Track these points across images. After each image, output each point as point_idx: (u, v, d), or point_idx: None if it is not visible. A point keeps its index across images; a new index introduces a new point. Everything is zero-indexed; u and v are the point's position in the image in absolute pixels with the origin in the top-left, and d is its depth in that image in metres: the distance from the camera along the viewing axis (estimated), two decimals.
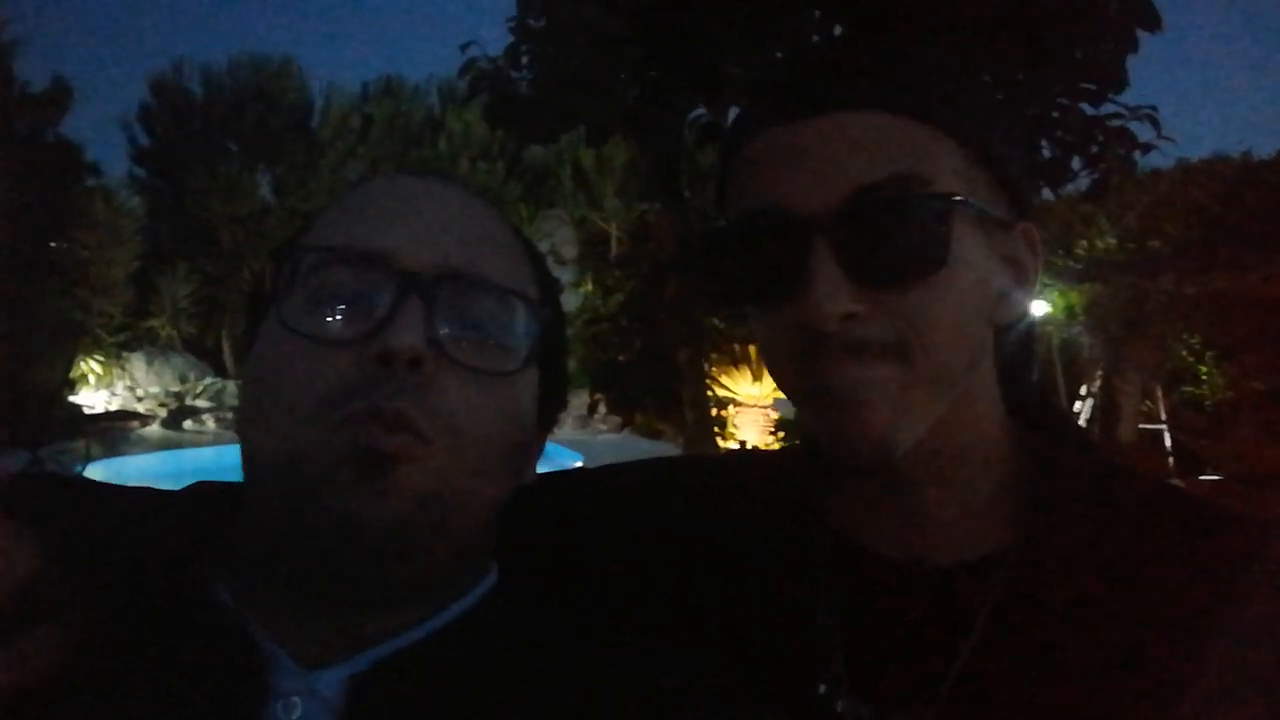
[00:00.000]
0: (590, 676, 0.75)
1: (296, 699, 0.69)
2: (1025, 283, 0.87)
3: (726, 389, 12.49)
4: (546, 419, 0.86)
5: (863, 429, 0.81)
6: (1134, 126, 4.24)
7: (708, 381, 8.73)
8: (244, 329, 0.84)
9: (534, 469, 0.86)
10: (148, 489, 0.89)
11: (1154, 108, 4.16)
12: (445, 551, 0.74)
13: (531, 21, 4.90)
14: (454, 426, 0.71)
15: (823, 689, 0.86)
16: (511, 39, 4.98)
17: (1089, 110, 4.18)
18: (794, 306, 0.80)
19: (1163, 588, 0.82)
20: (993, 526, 0.87)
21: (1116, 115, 4.21)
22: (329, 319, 0.73)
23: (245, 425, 0.76)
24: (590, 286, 13.37)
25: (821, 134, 0.81)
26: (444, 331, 0.73)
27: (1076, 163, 4.37)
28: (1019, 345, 0.92)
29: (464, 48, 5.03)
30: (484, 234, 0.80)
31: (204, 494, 0.86)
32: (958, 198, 0.80)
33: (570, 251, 17.92)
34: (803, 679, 0.87)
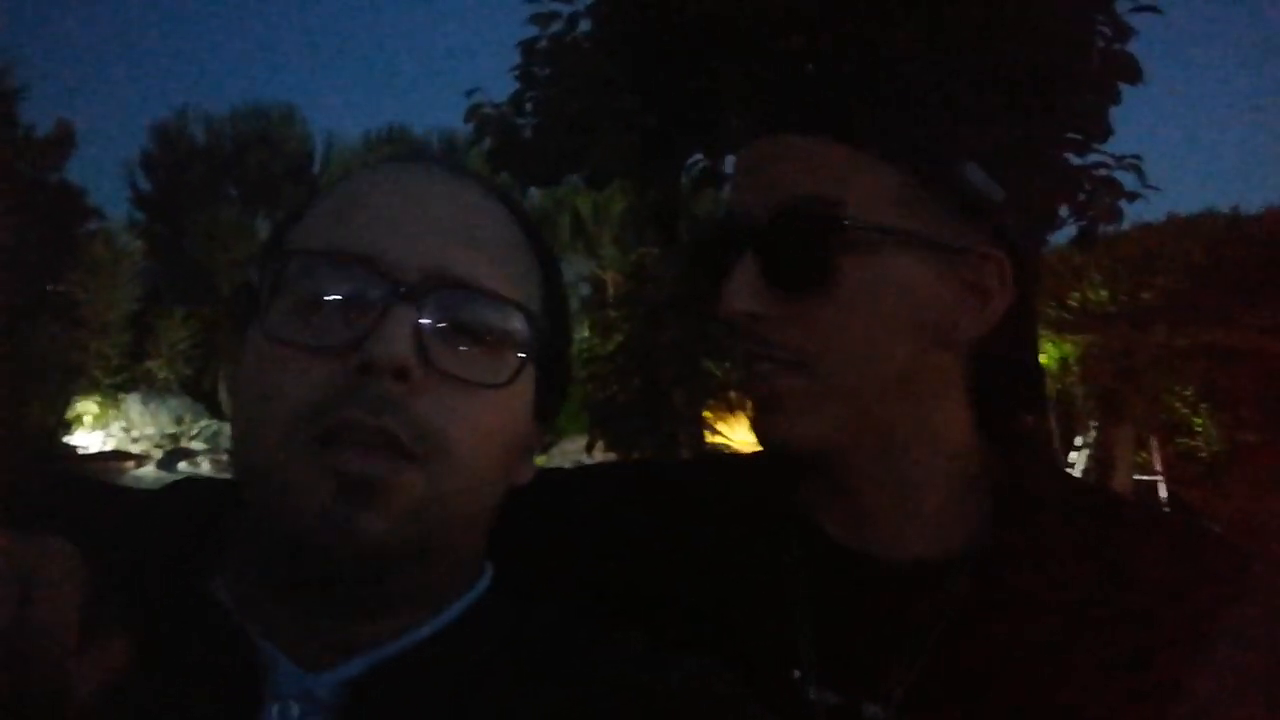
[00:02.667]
0: (587, 677, 0.74)
1: (293, 702, 0.68)
2: (984, 309, 0.89)
3: (722, 434, 12.50)
4: (547, 413, 0.83)
5: (766, 429, 0.91)
6: (1120, 176, 4.35)
7: (703, 427, 8.75)
8: (230, 329, 0.81)
9: (531, 466, 0.83)
10: (140, 490, 0.87)
11: (1138, 157, 4.27)
12: (437, 562, 0.73)
13: (536, 69, 5.02)
14: (441, 442, 0.69)
15: (795, 674, 0.89)
16: (516, 86, 5.10)
17: (1074, 159, 4.29)
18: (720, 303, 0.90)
19: (1123, 593, 0.86)
20: (959, 527, 0.91)
21: (1102, 165, 4.33)
22: (313, 326, 0.70)
23: (233, 434, 0.75)
24: (588, 331, 13.43)
25: (768, 153, 0.91)
26: (433, 341, 0.69)
27: (1064, 211, 4.48)
28: (995, 364, 0.95)
29: (469, 93, 5.15)
30: (480, 232, 0.76)
31: (197, 491, 0.85)
32: (856, 220, 0.85)
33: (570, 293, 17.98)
34: (777, 667, 0.90)
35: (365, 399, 0.66)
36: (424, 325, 0.69)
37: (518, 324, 0.74)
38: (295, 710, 0.68)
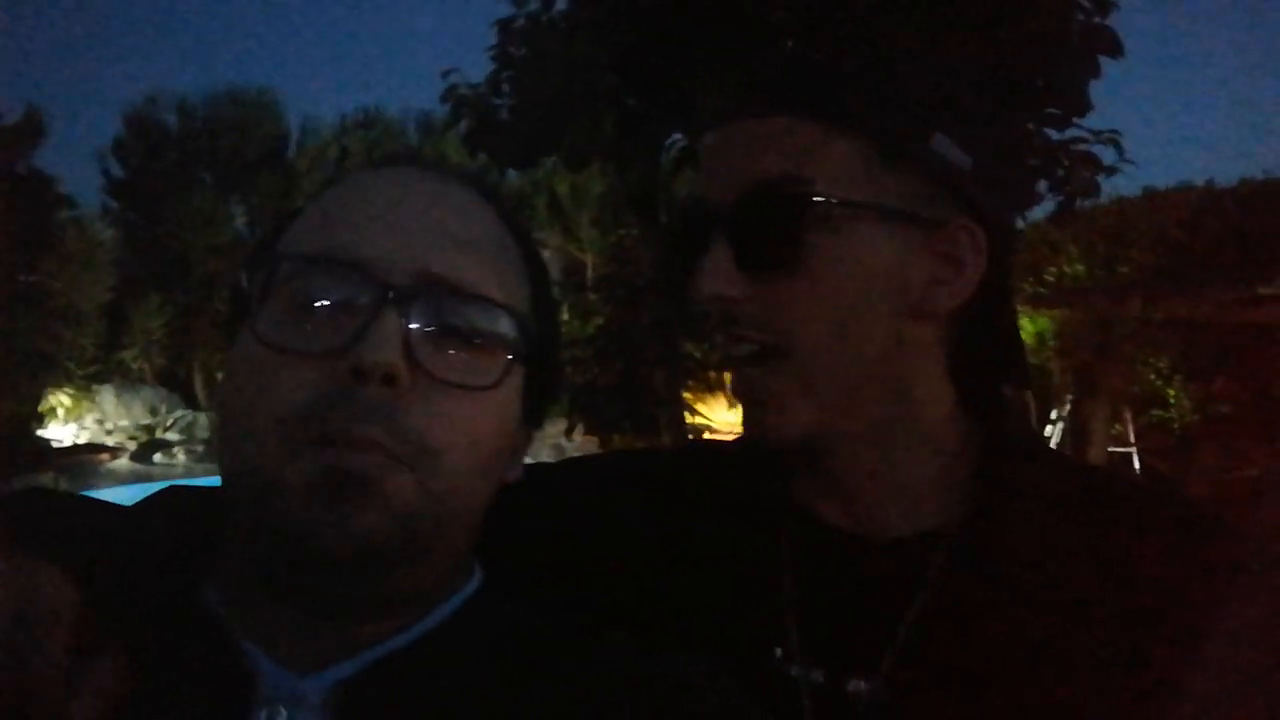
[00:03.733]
0: (578, 677, 0.74)
1: (283, 706, 0.68)
2: (959, 280, 0.89)
3: (702, 415, 12.54)
4: (535, 415, 0.83)
5: (757, 426, 0.91)
6: (1097, 150, 4.38)
7: (684, 408, 8.77)
8: (225, 324, 0.81)
9: (520, 465, 0.83)
10: (120, 505, 0.86)
11: (1116, 131, 4.30)
12: (428, 563, 0.73)
13: (513, 50, 4.98)
14: (430, 446, 0.69)
15: (778, 653, 0.90)
16: (493, 67, 5.06)
17: (1053, 135, 4.31)
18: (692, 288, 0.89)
19: (1102, 567, 0.87)
20: (939, 504, 0.91)
21: (1080, 140, 4.35)
22: (302, 330, 0.70)
23: (221, 437, 0.74)
24: (567, 314, 13.41)
25: (733, 136, 0.90)
26: (422, 345, 0.70)
27: (1043, 186, 4.50)
28: (973, 336, 0.95)
29: (445, 74, 5.11)
30: (469, 234, 0.76)
31: (181, 498, 0.85)
32: (826, 196, 0.85)
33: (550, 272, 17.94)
34: (760, 645, 0.91)
35: (355, 405, 0.67)
36: (412, 329, 0.69)
37: (506, 326, 0.75)
38: (284, 714, 0.68)
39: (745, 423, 0.93)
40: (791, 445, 0.90)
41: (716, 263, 0.87)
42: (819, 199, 0.85)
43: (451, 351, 0.72)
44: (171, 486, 0.88)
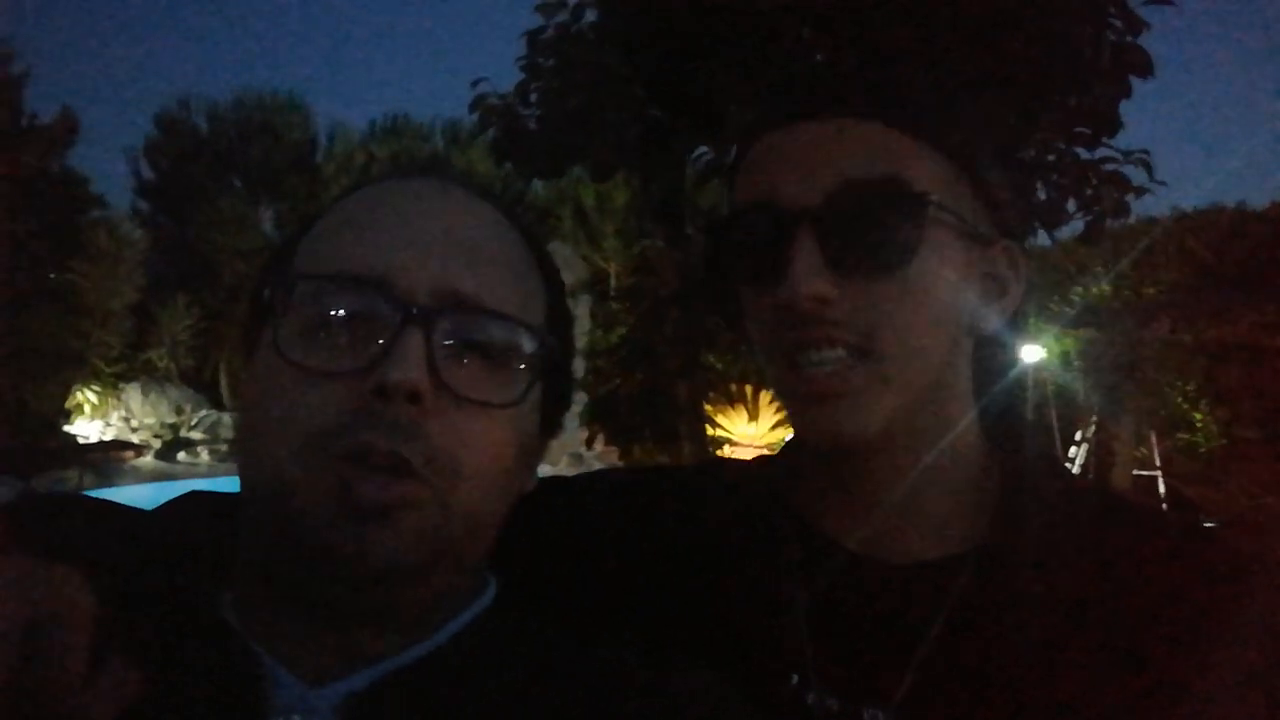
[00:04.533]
0: (590, 690, 0.74)
1: (296, 716, 0.69)
2: (1003, 298, 0.92)
3: (723, 428, 12.51)
4: (550, 425, 0.84)
5: (826, 415, 0.88)
6: (1127, 171, 4.35)
7: (705, 420, 8.75)
8: (241, 337, 0.81)
9: (535, 476, 0.84)
10: (138, 509, 0.86)
11: (1146, 151, 4.27)
12: (442, 579, 0.73)
13: (541, 60, 5.01)
14: (452, 464, 0.70)
15: (795, 680, 0.89)
16: (521, 77, 5.09)
17: (1083, 154, 4.28)
18: (776, 289, 0.86)
19: (1122, 594, 0.86)
20: (959, 528, 0.91)
21: (1110, 159, 4.32)
22: (326, 349, 0.70)
23: (242, 451, 0.74)
24: (590, 323, 13.43)
25: (815, 136, 0.88)
26: (445, 363, 0.70)
27: (1071, 205, 4.47)
28: (998, 361, 0.95)
29: (474, 84, 5.14)
30: (488, 250, 0.77)
31: (201, 505, 0.86)
32: (935, 199, 0.86)
33: (572, 279, 18.02)
34: (777, 672, 0.90)
35: (379, 424, 0.67)
36: (436, 348, 0.70)
37: (526, 343, 0.75)
38: None
39: (807, 418, 0.89)
40: (858, 444, 0.88)
41: (808, 262, 0.85)
42: (924, 198, 0.85)
43: (473, 369, 0.72)
44: (192, 491, 0.89)
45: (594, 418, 10.13)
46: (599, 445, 11.09)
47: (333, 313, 0.71)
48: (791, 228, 0.86)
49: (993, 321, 0.91)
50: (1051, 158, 4.22)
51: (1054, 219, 4.45)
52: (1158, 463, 11.55)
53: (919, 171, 0.86)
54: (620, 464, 12.08)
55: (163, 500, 0.89)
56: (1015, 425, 0.97)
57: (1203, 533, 0.95)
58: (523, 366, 0.75)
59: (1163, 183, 4.29)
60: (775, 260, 0.86)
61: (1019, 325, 0.94)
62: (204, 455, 18.08)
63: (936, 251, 0.86)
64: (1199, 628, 0.83)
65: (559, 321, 0.83)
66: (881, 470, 0.91)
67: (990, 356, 0.94)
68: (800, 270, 0.85)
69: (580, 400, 10.28)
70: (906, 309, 0.86)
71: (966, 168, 0.89)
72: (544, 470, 0.88)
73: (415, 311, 0.70)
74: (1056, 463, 1.04)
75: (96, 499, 0.87)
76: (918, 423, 0.89)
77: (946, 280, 0.87)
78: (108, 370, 19.37)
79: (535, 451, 0.82)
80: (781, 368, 0.90)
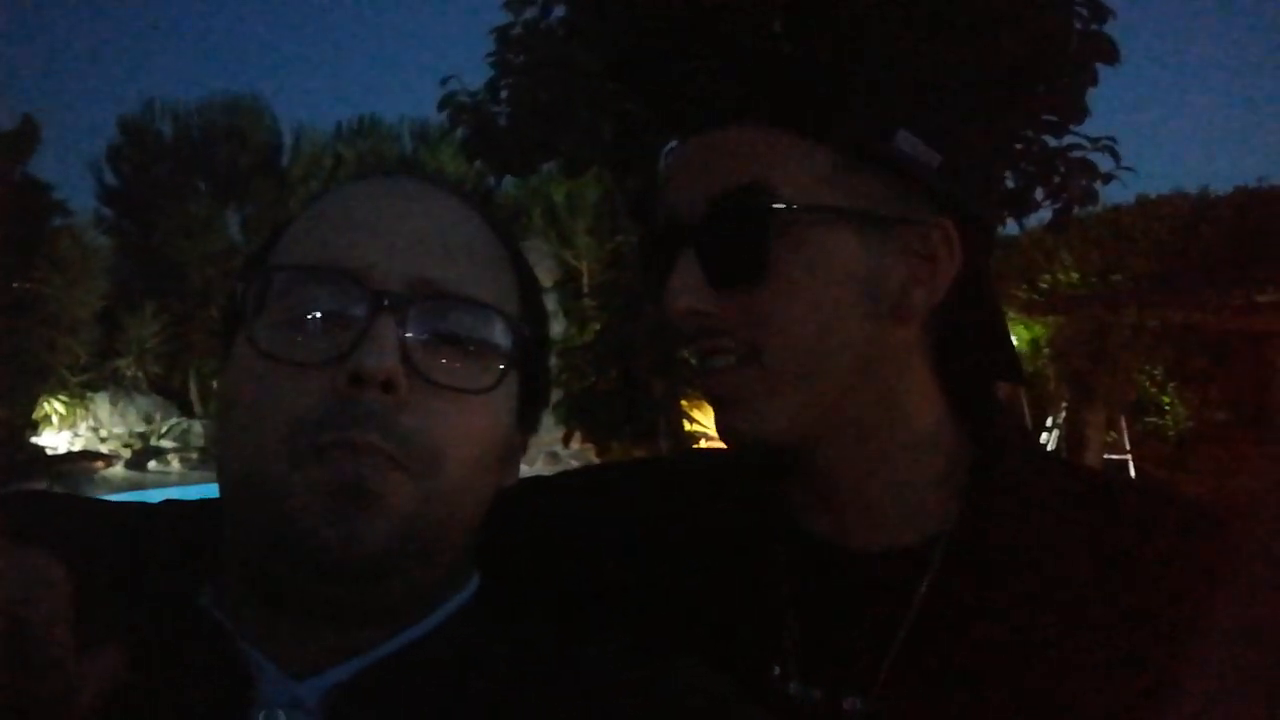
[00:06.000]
0: (573, 680, 0.75)
1: (280, 710, 0.69)
2: (933, 277, 0.89)
3: (699, 423, 12.52)
4: (529, 420, 0.85)
5: (727, 426, 0.91)
6: (1094, 157, 4.39)
7: (681, 416, 8.76)
8: (217, 338, 0.81)
9: (516, 471, 0.85)
10: (124, 503, 0.87)
11: (1113, 139, 4.31)
12: (426, 569, 0.74)
13: (510, 56, 4.98)
14: (430, 452, 0.70)
15: (776, 670, 0.89)
16: (490, 74, 5.06)
17: (1050, 141, 4.32)
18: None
19: (1100, 568, 0.85)
20: (932, 513, 0.91)
21: (1077, 146, 4.36)
22: (300, 340, 0.71)
23: (220, 445, 0.75)
24: (564, 321, 13.40)
25: (697, 150, 0.91)
26: (418, 351, 0.71)
27: (1039, 193, 4.51)
28: (957, 339, 0.94)
29: (443, 81, 5.10)
30: (461, 242, 0.77)
31: (180, 509, 0.85)
32: (794, 201, 0.85)
33: (546, 279, 17.96)
34: (758, 663, 0.90)
35: (355, 413, 0.68)
36: (409, 336, 0.71)
37: (499, 331, 0.76)
38: (282, 717, 0.69)
39: (718, 425, 0.93)
40: (765, 446, 0.90)
41: (685, 278, 0.87)
42: (779, 206, 0.85)
43: (447, 357, 0.73)
44: (171, 499, 0.89)
45: (570, 415, 10.11)
46: (576, 443, 11.06)
47: (305, 304, 0.72)
48: (676, 245, 0.89)
49: (921, 301, 0.89)
50: (1019, 146, 4.26)
51: (1023, 207, 4.50)
52: (1128, 446, 11.69)
53: (790, 172, 0.86)
54: (597, 461, 12.06)
55: None
56: (984, 403, 0.96)
57: (1179, 503, 0.94)
58: (497, 354, 0.76)
59: (1130, 169, 4.33)
60: (665, 277, 0.90)
61: (976, 294, 0.92)
62: (175, 464, 17.87)
63: (813, 250, 0.86)
64: (1178, 598, 0.83)
65: (532, 313, 0.84)
66: (832, 462, 0.91)
67: (947, 334, 0.93)
68: (675, 287, 0.88)
69: (556, 397, 10.26)
70: (784, 314, 0.86)
71: (858, 151, 0.87)
72: (521, 470, 0.88)
73: (388, 301, 0.70)
74: (1030, 438, 1.04)
75: (75, 495, 0.88)
76: (851, 413, 0.89)
77: (833, 276, 0.86)
78: (75, 380, 19.10)
79: (513, 444, 0.82)
80: (698, 373, 0.93)
